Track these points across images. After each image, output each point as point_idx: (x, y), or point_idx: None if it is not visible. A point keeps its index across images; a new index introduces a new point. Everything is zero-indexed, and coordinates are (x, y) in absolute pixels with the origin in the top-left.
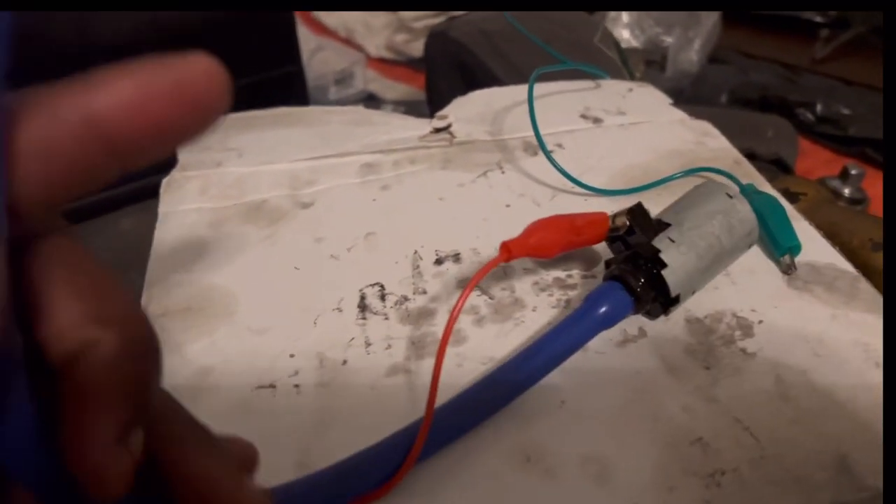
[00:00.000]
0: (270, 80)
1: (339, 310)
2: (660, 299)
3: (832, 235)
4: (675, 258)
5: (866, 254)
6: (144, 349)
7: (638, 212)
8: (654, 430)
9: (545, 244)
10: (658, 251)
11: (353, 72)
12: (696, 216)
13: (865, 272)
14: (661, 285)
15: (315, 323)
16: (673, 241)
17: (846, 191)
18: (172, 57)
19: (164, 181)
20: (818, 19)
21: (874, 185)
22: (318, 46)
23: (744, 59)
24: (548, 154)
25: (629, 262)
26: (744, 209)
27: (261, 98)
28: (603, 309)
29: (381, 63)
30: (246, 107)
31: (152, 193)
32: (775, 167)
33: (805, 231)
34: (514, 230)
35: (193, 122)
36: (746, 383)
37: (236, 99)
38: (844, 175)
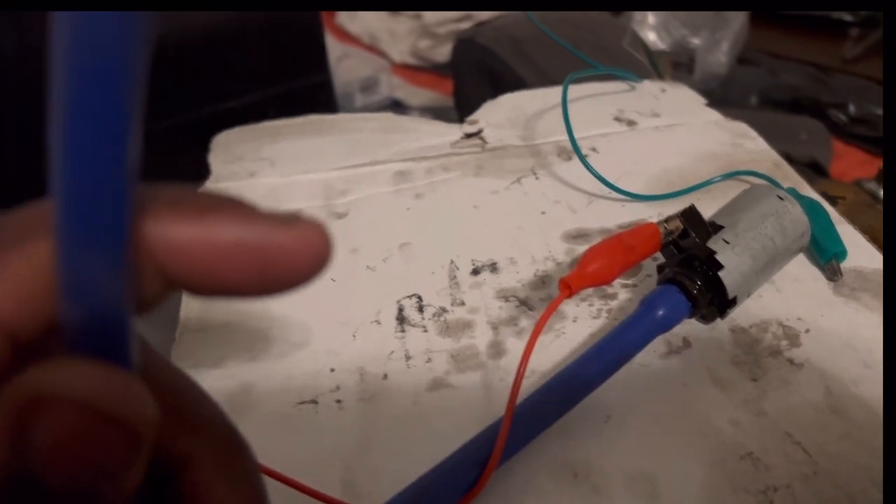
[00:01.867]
0: (300, 88)
1: (378, 322)
2: (716, 301)
3: (872, 240)
4: (731, 259)
5: None
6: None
7: (691, 214)
8: (701, 445)
9: (603, 272)
10: (713, 252)
11: (379, 79)
12: (749, 218)
13: None
14: (718, 287)
15: (354, 336)
16: (728, 243)
17: (882, 193)
18: (270, 211)
19: None
20: (847, 18)
21: None
22: (343, 54)
23: (773, 59)
24: (583, 160)
25: (684, 265)
26: (795, 211)
27: (291, 106)
28: (661, 312)
29: (405, 69)
30: (277, 115)
31: None
32: (810, 170)
33: (849, 235)
34: (550, 238)
35: (263, 286)
36: (795, 395)
37: (267, 107)
38: (881, 177)
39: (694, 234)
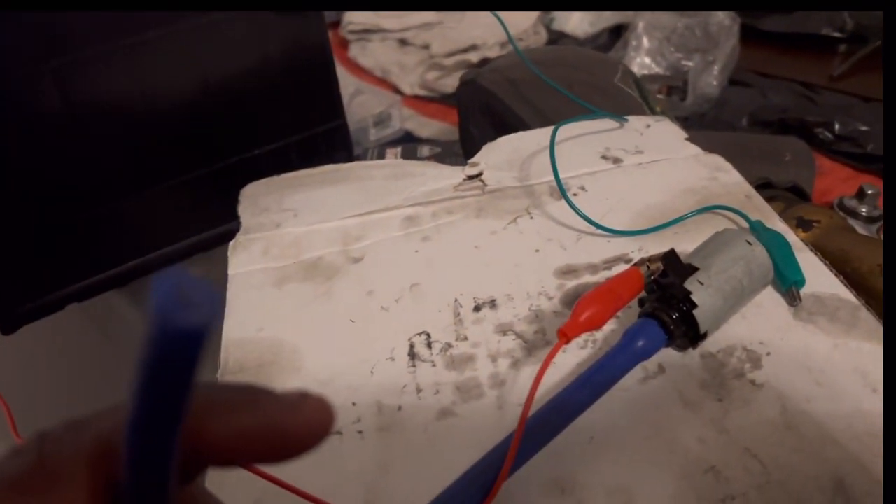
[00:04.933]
0: (318, 134)
1: (392, 359)
2: (689, 335)
3: (843, 262)
4: (704, 299)
5: (874, 279)
6: None
7: (671, 257)
8: (672, 460)
9: (595, 320)
10: (689, 293)
11: (391, 113)
12: (721, 262)
13: (873, 296)
14: (692, 322)
15: (372, 372)
16: (702, 284)
17: (863, 210)
18: (283, 395)
19: (231, 244)
20: (835, 34)
21: None
22: (356, 90)
23: (763, 79)
24: (570, 201)
25: (662, 301)
26: (761, 255)
27: (311, 150)
28: (641, 342)
29: (415, 100)
30: (298, 158)
31: (219, 242)
32: (792, 193)
33: (811, 262)
34: (543, 274)
35: (278, 458)
36: (754, 414)
37: (289, 152)
38: (861, 195)
39: (673, 275)
